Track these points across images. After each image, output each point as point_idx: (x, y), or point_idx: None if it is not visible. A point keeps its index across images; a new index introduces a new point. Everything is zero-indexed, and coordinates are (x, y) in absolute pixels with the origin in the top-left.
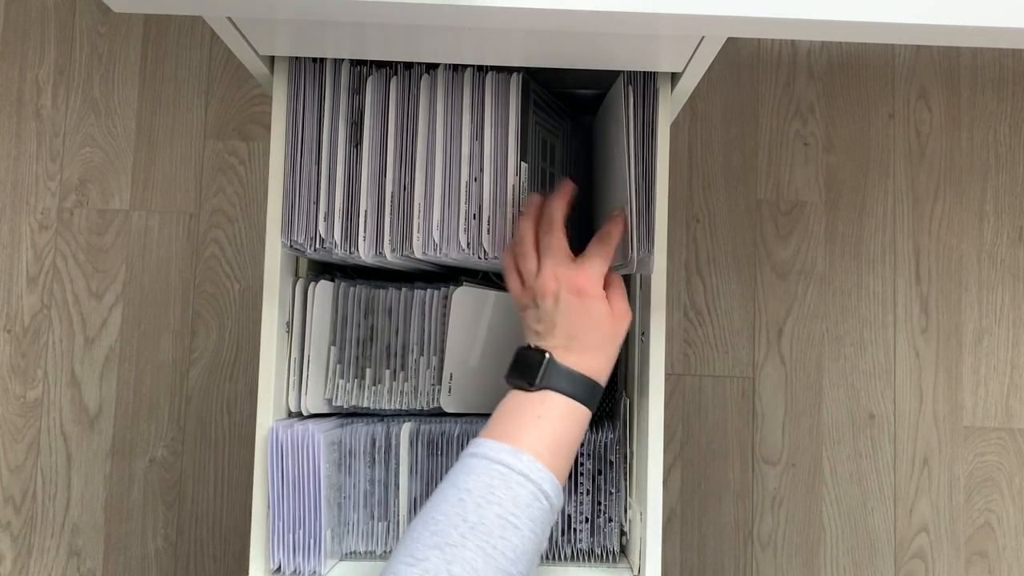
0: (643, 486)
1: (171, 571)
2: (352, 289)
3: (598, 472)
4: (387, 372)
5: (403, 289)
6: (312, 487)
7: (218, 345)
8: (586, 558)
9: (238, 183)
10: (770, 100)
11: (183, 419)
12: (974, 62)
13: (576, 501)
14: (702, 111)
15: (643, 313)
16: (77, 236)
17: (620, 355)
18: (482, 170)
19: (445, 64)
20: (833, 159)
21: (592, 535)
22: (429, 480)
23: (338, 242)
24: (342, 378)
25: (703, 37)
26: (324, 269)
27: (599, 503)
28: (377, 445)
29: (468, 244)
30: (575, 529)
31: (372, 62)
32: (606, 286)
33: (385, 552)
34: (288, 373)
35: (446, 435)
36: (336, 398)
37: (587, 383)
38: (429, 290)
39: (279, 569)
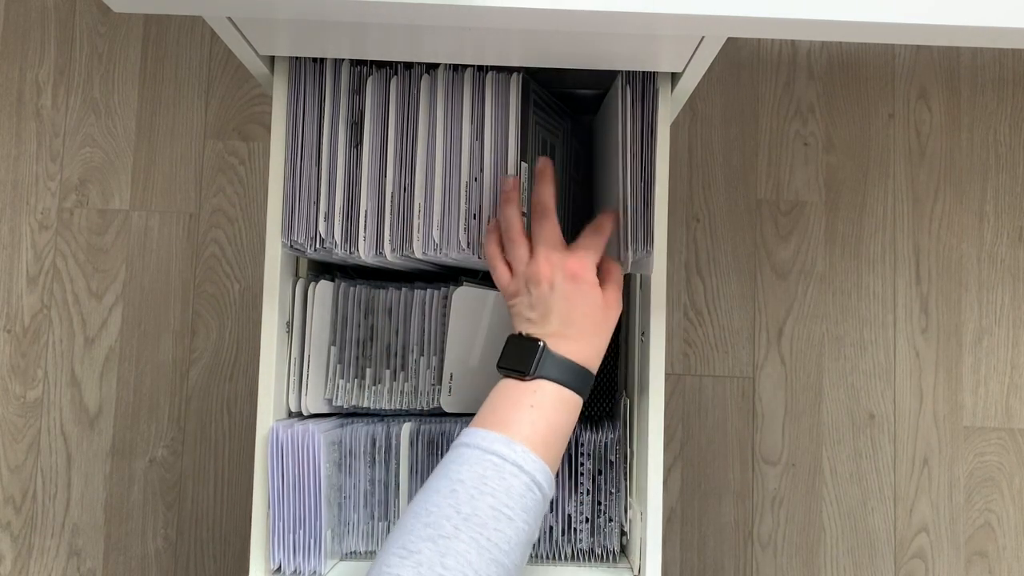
0: (643, 486)
1: (171, 571)
2: (352, 289)
3: (598, 472)
4: (387, 372)
5: (403, 289)
6: (312, 487)
7: (218, 345)
8: (586, 558)
9: (238, 183)
10: (770, 100)
11: (183, 419)
12: (974, 62)
13: (576, 501)
14: (702, 111)
15: (643, 313)
16: (77, 236)
17: (620, 355)
18: (482, 170)
19: (445, 64)
20: (833, 159)
21: (592, 535)
22: None
23: (338, 242)
24: (342, 378)
25: (703, 37)
26: (324, 269)
27: (599, 503)
28: (377, 445)
29: (468, 244)
30: (575, 529)
31: (372, 62)
32: (604, 276)
33: None
34: (288, 373)
35: (446, 435)
36: (336, 398)
37: (580, 372)
38: (429, 290)
39: (279, 569)
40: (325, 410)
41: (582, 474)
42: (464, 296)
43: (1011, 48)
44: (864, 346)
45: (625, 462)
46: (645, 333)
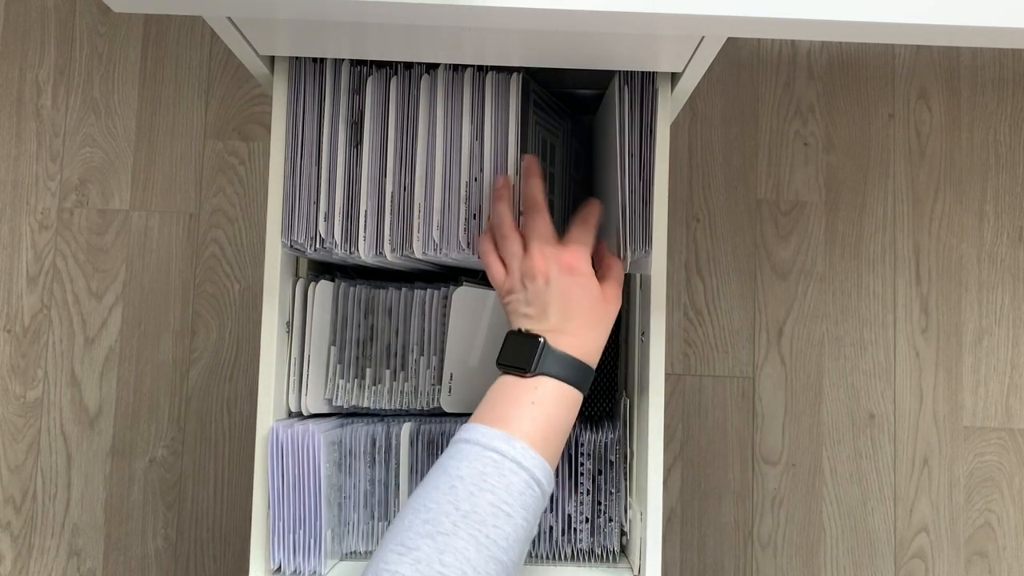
0: (643, 486)
1: (171, 571)
2: (352, 289)
3: (598, 472)
4: (387, 372)
5: (403, 289)
6: (312, 487)
7: (218, 345)
8: (586, 558)
9: (238, 183)
10: (770, 100)
11: (183, 419)
12: (974, 62)
13: (576, 501)
14: (702, 111)
15: (643, 313)
16: (77, 236)
17: (620, 355)
18: (482, 170)
19: (445, 64)
20: (833, 159)
21: (592, 535)
22: None
23: (338, 242)
24: (342, 378)
25: (703, 37)
26: (324, 269)
27: (599, 503)
28: (377, 445)
29: (468, 244)
30: (575, 529)
31: (372, 62)
32: (605, 271)
33: None
34: (288, 373)
35: (446, 435)
36: (336, 398)
37: (581, 367)
38: (429, 290)
39: (279, 569)
40: (325, 410)
41: (582, 474)
42: (464, 296)
43: (1011, 48)
44: (864, 346)
45: (625, 462)
46: (645, 333)
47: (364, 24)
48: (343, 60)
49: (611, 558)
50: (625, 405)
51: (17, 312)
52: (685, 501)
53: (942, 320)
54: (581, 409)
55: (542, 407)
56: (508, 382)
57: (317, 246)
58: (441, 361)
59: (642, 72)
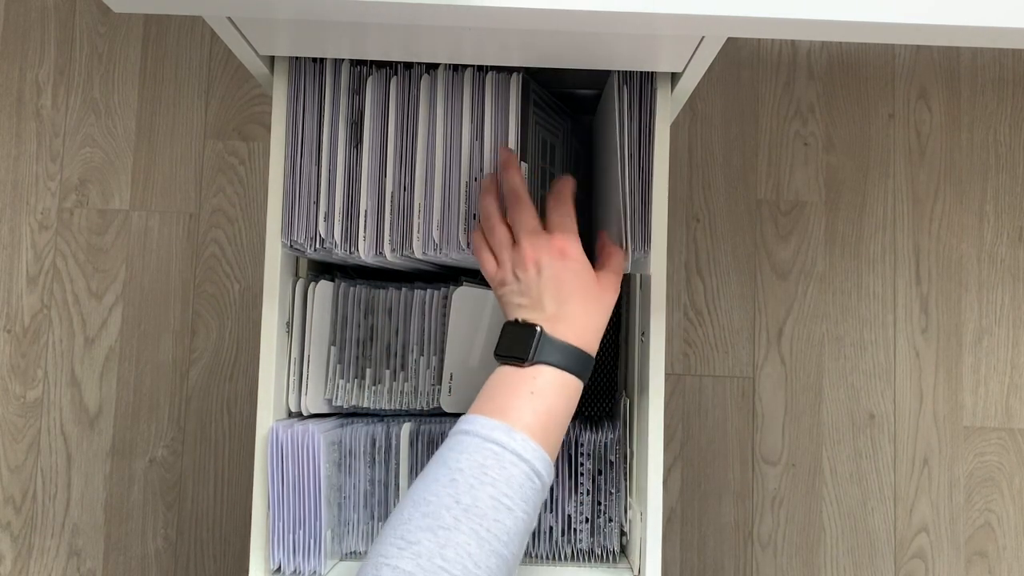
0: (643, 486)
1: (171, 571)
2: (352, 289)
3: (598, 472)
4: (387, 372)
5: (403, 289)
6: (312, 487)
7: (218, 345)
8: (586, 558)
9: (238, 183)
10: (770, 100)
11: (183, 419)
12: (974, 62)
13: (576, 501)
14: (702, 111)
15: (643, 313)
16: (77, 236)
17: (620, 355)
18: (482, 170)
19: (445, 64)
20: (833, 159)
21: (592, 535)
22: None
23: (338, 242)
24: (342, 378)
25: (703, 37)
26: (324, 269)
27: (599, 503)
28: (377, 445)
29: (468, 244)
30: (575, 529)
31: (372, 62)
32: (604, 259)
33: None
34: (288, 373)
35: (446, 435)
36: (336, 398)
37: (579, 355)
38: (429, 290)
39: (279, 569)
40: (325, 410)
41: (582, 474)
42: (464, 296)
43: (1011, 48)
44: (864, 346)
45: (625, 462)
46: (645, 333)
47: (364, 24)
48: (343, 60)
49: (611, 558)
50: (625, 405)
51: (17, 312)
52: (685, 501)
53: (942, 320)
54: (581, 409)
55: (542, 397)
56: (507, 372)
57: (317, 246)
58: (441, 361)
59: (641, 72)
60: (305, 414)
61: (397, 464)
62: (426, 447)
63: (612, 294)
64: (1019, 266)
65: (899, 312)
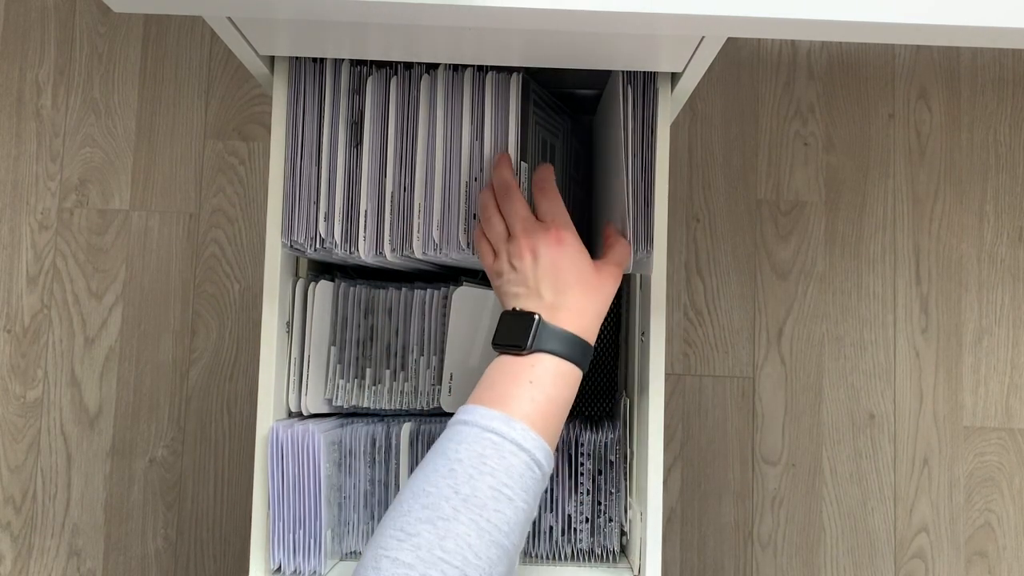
0: (643, 486)
1: (171, 571)
2: (352, 289)
3: (598, 472)
4: (387, 372)
5: (403, 289)
6: (312, 487)
7: (218, 345)
8: (586, 558)
9: (238, 183)
10: (770, 100)
11: (183, 419)
12: (974, 62)
13: (576, 501)
14: (702, 111)
15: (643, 313)
16: (77, 236)
17: (620, 355)
18: (482, 170)
19: (445, 64)
20: (833, 159)
21: (592, 535)
22: None
23: (338, 242)
24: (342, 378)
25: (703, 37)
26: (324, 269)
27: (599, 503)
28: (377, 445)
29: (468, 244)
30: (575, 529)
31: (372, 62)
32: (607, 249)
33: None
34: (288, 373)
35: None
36: (336, 398)
37: (578, 342)
38: (429, 290)
39: (279, 569)
40: (325, 410)
41: (582, 474)
42: (464, 296)
43: (1011, 48)
44: (864, 346)
45: (625, 462)
46: (645, 333)
47: (364, 24)
48: (343, 60)
49: (611, 558)
50: (625, 405)
51: (17, 312)
52: (685, 501)
53: (942, 320)
54: (581, 409)
55: (541, 386)
56: (505, 361)
57: (317, 246)
58: (441, 361)
59: (642, 72)
60: (305, 414)
61: (397, 464)
62: (426, 447)
63: (612, 283)
64: (1019, 266)
65: (899, 312)
